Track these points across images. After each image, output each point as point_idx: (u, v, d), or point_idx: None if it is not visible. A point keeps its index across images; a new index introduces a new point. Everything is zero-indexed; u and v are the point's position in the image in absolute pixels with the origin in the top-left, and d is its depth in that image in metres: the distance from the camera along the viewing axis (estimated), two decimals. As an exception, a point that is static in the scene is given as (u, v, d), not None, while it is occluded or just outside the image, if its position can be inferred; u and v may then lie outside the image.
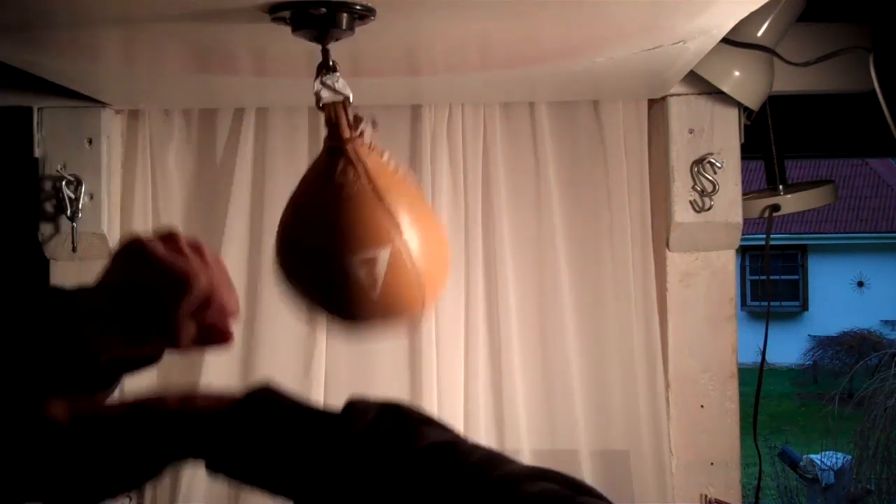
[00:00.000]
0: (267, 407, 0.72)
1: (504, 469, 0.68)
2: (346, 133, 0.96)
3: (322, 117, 0.97)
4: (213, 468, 0.72)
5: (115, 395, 0.79)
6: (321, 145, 0.98)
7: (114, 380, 0.78)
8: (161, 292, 0.72)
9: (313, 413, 0.73)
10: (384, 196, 0.95)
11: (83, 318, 0.73)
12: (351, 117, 0.96)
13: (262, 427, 0.71)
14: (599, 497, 0.66)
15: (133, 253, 0.74)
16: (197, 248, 0.76)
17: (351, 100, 0.97)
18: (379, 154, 0.97)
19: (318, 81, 0.97)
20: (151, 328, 0.73)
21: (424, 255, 0.96)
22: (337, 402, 0.72)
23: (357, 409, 0.72)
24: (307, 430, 0.71)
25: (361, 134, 0.96)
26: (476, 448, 0.70)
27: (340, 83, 0.97)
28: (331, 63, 0.98)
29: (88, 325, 0.73)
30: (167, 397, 0.75)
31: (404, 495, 0.67)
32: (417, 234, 0.96)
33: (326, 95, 0.97)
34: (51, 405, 0.72)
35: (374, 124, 0.97)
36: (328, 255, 0.95)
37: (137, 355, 0.78)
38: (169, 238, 0.75)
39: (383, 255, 0.93)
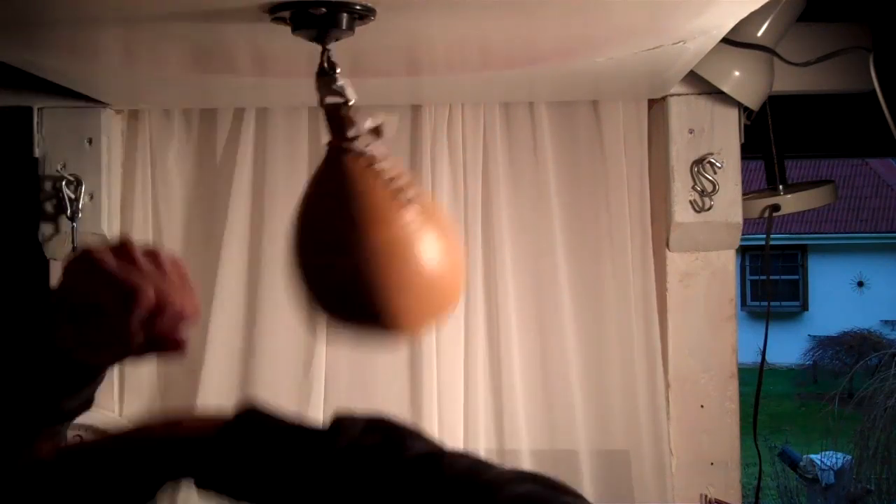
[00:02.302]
0: (255, 427, 0.73)
1: (490, 474, 0.69)
2: (351, 133, 0.95)
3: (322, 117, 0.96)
4: (205, 487, 0.73)
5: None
6: (321, 145, 0.97)
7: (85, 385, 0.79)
8: (109, 304, 0.73)
9: (301, 430, 0.74)
10: (393, 184, 0.92)
11: (50, 322, 0.75)
12: (354, 118, 0.95)
13: (251, 447, 0.72)
14: (579, 497, 0.68)
15: (83, 264, 0.74)
16: (152, 255, 0.76)
17: (352, 101, 0.96)
18: (386, 156, 0.96)
19: (321, 83, 0.96)
20: (102, 337, 0.74)
21: (441, 253, 0.92)
22: (337, 407, 0.73)
23: (344, 423, 0.73)
24: (295, 448, 0.72)
25: (367, 133, 0.95)
26: (462, 456, 0.72)
27: (348, 88, 0.96)
28: (330, 63, 0.97)
29: (54, 328, 0.75)
30: (153, 426, 0.76)
31: None
32: (434, 230, 0.93)
33: (330, 97, 0.96)
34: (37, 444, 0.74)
35: (378, 132, 0.95)
36: (341, 237, 0.92)
37: (97, 361, 0.79)
38: (121, 248, 0.75)
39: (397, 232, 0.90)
